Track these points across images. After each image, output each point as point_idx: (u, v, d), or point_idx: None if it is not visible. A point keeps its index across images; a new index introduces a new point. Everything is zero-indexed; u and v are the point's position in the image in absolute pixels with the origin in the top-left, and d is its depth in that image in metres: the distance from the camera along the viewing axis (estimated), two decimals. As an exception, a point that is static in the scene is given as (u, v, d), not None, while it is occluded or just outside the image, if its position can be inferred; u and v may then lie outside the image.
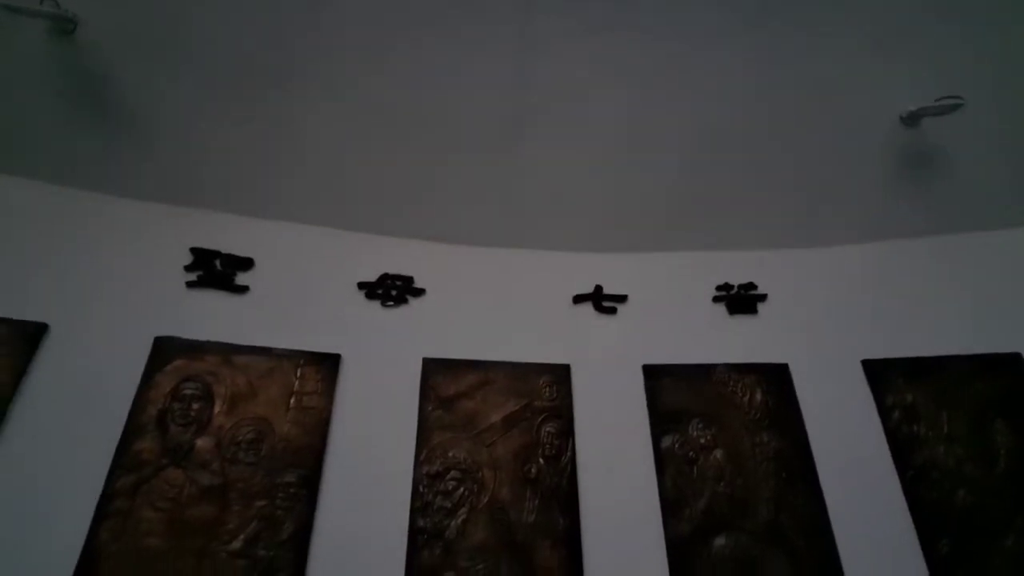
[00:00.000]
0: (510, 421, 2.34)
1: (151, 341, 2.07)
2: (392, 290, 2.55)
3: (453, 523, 2.07)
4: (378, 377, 2.31)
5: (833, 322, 2.58)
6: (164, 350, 2.07)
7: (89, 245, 2.16)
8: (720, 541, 2.17)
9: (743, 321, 2.65)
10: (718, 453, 2.33)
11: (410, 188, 2.61)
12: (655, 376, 2.48)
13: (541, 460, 2.27)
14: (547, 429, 2.35)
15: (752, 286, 2.70)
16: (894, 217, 2.71)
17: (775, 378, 2.47)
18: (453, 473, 2.17)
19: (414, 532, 2.02)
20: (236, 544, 1.84)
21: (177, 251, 2.27)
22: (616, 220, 2.80)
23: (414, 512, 2.06)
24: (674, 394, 2.45)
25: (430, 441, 2.21)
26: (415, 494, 2.09)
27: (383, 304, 2.51)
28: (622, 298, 2.71)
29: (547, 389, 2.43)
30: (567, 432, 2.34)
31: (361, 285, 2.50)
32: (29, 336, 1.92)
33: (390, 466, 2.13)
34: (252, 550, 1.85)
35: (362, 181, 2.55)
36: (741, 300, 2.69)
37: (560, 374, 2.47)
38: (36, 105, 2.13)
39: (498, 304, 2.64)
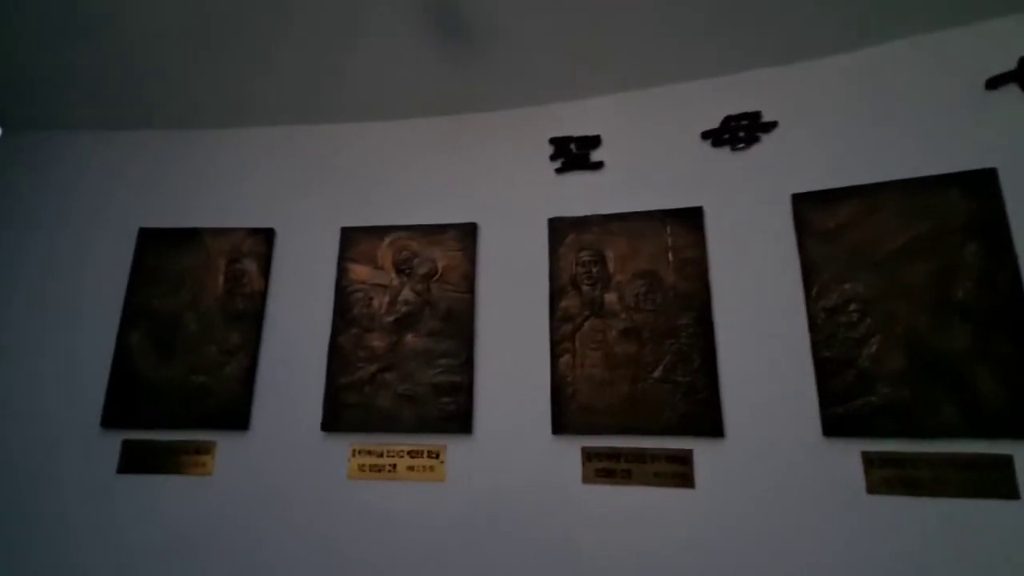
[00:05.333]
0: (914, 246, 2.06)
1: (546, 222, 2.49)
2: (739, 132, 2.41)
3: (865, 352, 2.01)
4: (745, 221, 2.30)
5: None
6: (558, 228, 2.47)
7: (488, 157, 2.65)
8: None
9: None
10: None
11: (737, 9, 2.31)
12: None
13: (969, 283, 1.96)
14: (970, 249, 1.99)
15: None
16: None
17: None
18: (854, 305, 2.07)
19: (820, 361, 2.06)
20: (657, 373, 2.21)
21: (543, 144, 2.60)
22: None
23: (816, 344, 2.08)
24: None
25: (819, 276, 2.14)
26: (813, 327, 2.09)
27: (732, 149, 2.41)
28: (1080, 61, 1.96)
29: (963, 202, 2.02)
30: (1003, 249, 1.94)
31: (705, 134, 2.44)
32: (468, 233, 2.54)
33: (780, 302, 2.16)
34: (672, 377, 2.19)
35: (682, 20, 2.37)
36: None
37: (980, 181, 2.02)
38: (408, 51, 2.59)
39: (873, 115, 2.25)
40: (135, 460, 2.40)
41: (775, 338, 2.14)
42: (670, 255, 2.33)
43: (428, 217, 2.59)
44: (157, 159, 2.81)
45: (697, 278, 2.28)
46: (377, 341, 2.45)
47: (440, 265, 2.51)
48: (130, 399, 2.45)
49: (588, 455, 2.21)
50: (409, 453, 2.33)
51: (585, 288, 2.38)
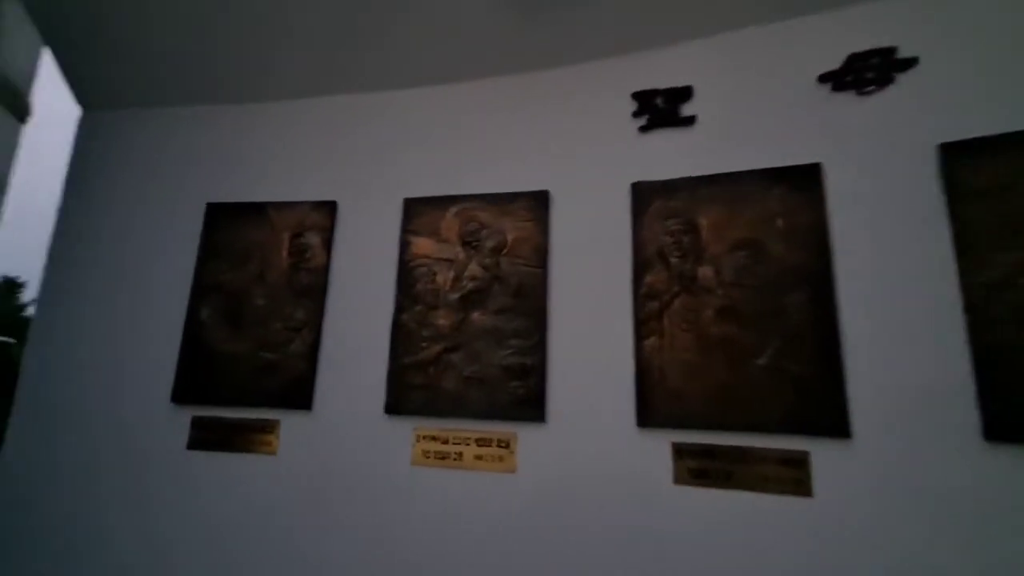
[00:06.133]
0: (1116, 203, 1.60)
1: (628, 188, 2.20)
2: (867, 72, 2.00)
3: (1046, 337, 1.60)
4: (877, 178, 1.91)
5: None
6: (642, 193, 2.18)
7: (562, 117, 2.38)
8: None
9: None
10: None
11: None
12: None
13: None
14: None
15: None
16: None
17: None
18: (1027, 279, 1.65)
19: (980, 349, 1.65)
20: (763, 359, 1.88)
21: (624, 100, 2.30)
22: None
23: (975, 327, 1.67)
24: None
25: (977, 244, 1.72)
26: (970, 307, 1.69)
27: (858, 93, 2.01)
28: None
29: None
30: None
31: (823, 77, 2.05)
32: (540, 202, 2.30)
33: (925, 277, 1.77)
34: (781, 364, 1.85)
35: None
36: None
37: None
38: (470, 6, 2.37)
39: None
40: (204, 437, 2.38)
41: (918, 320, 1.76)
42: (779, 221, 1.98)
43: (496, 185, 2.37)
44: (224, 133, 2.77)
45: (812, 248, 1.92)
46: (442, 319, 2.28)
47: (509, 237, 2.29)
48: (200, 375, 2.43)
49: (680, 452, 1.93)
50: (477, 441, 2.14)
51: (674, 261, 2.07)
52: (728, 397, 1.90)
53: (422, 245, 2.39)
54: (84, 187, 2.83)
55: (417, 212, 2.43)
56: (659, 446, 1.95)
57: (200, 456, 2.36)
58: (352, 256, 2.47)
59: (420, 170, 2.49)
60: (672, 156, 2.20)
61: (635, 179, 2.20)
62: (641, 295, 2.08)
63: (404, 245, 2.40)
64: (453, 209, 2.39)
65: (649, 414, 1.97)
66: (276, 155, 2.68)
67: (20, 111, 4.27)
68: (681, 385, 1.96)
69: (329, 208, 2.53)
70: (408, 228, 2.42)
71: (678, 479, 1.92)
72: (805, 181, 1.98)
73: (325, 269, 2.46)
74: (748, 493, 1.82)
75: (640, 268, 2.11)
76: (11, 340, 3.17)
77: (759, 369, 1.89)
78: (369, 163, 2.56)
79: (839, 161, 1.96)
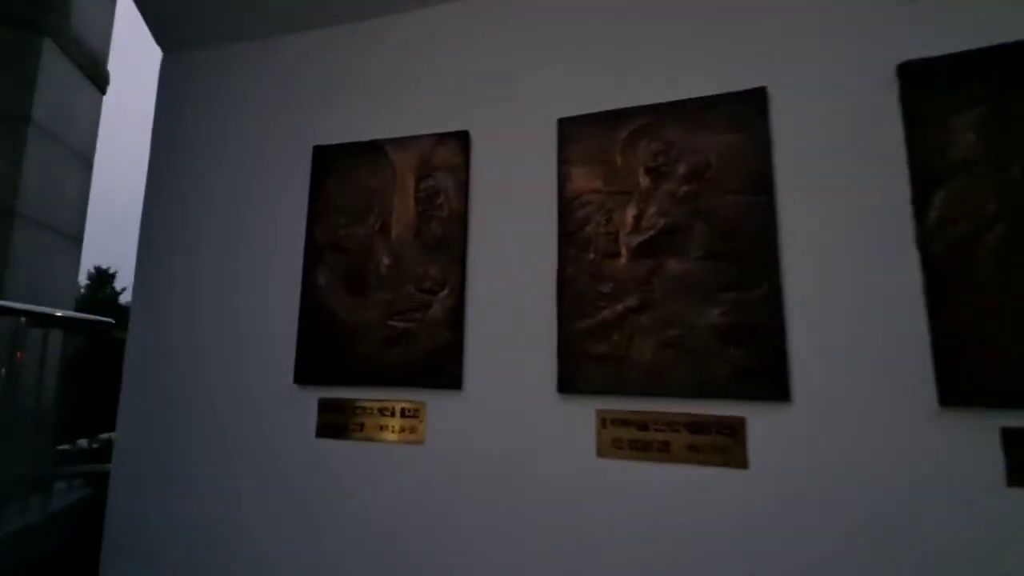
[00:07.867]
0: None
1: (893, 72, 1.56)
2: None
3: None
4: None
5: None
6: (915, 78, 1.53)
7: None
8: None
9: None
10: None
11: None
12: None
13: None
14: None
15: None
16: None
17: None
18: None
19: None
20: None
21: (877, -54, 1.65)
22: None
23: None
24: None
25: None
26: None
27: None
28: None
29: None
30: None
31: None
32: (754, 106, 1.70)
33: None
34: None
35: None
36: None
37: None
38: None
39: None
40: (335, 423, 2.00)
41: None
42: None
43: (685, 89, 1.79)
44: (324, 63, 2.31)
45: None
46: (624, 270, 1.75)
47: (711, 157, 1.72)
48: (324, 351, 2.04)
49: (1016, 441, 1.34)
50: (687, 426, 1.63)
51: (986, 168, 1.44)
52: (1096, 361, 1.28)
53: (587, 177, 1.85)
54: (172, 141, 2.47)
55: (576, 136, 1.89)
56: (980, 433, 1.36)
57: (333, 445, 1.99)
58: (494, 198, 1.97)
59: (576, 81, 1.94)
60: (958, 20, 1.53)
61: (902, 58, 1.56)
62: (931, 221, 1.47)
63: (563, 179, 1.88)
64: (626, 127, 1.83)
65: (960, 388, 1.38)
66: (387, 82, 2.20)
67: (100, 81, 4.04)
68: (1010, 350, 1.35)
69: (460, 140, 2.03)
70: (566, 157, 1.89)
71: (1012, 479, 1.33)
72: None
73: (462, 216, 1.98)
74: None
75: (925, 183, 1.49)
76: (111, 320, 2.95)
77: None
78: (506, 79, 2.03)
79: None
